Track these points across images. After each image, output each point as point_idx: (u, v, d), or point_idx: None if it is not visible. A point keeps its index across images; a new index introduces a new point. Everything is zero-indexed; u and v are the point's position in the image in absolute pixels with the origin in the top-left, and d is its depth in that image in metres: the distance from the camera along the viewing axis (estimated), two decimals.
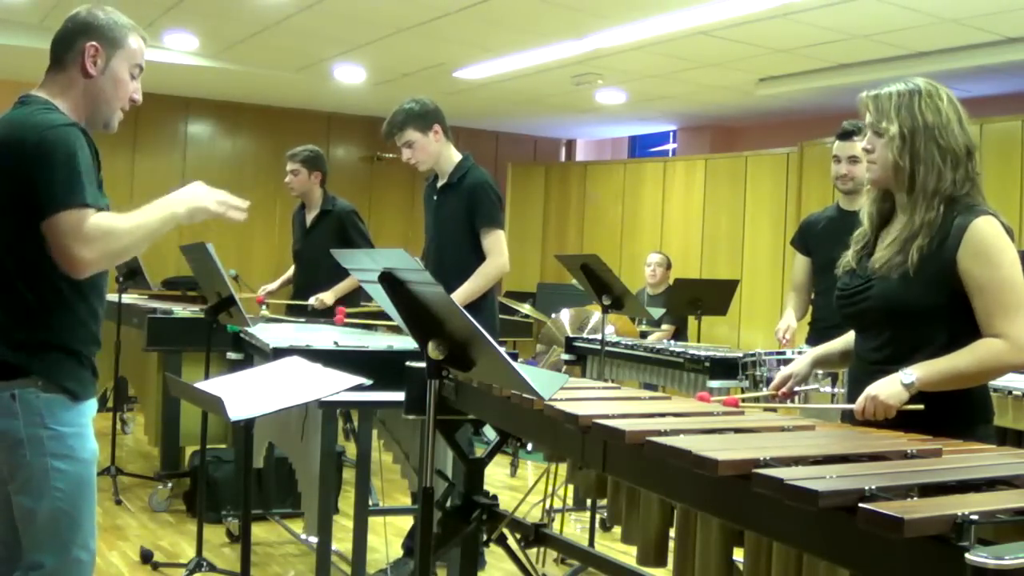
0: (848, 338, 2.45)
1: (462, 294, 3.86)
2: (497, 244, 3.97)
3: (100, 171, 2.31)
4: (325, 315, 5.18)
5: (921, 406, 2.04)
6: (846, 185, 3.83)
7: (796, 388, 2.51)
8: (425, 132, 4.00)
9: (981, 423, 2.19)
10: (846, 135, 3.79)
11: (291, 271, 5.77)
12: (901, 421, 2.04)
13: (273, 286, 5.70)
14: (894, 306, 2.16)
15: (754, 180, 8.41)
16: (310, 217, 5.51)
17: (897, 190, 2.23)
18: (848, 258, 2.34)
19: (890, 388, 2.06)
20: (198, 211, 2.43)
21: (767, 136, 8.91)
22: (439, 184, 4.11)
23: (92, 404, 2.31)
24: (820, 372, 3.29)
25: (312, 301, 5.22)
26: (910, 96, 2.18)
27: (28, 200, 2.17)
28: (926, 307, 2.12)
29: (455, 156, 4.08)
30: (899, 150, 2.16)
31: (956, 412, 2.12)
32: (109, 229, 2.19)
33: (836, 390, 3.53)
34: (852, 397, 2.32)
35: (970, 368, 2.07)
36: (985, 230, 2.09)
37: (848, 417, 2.23)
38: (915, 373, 2.05)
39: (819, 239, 3.85)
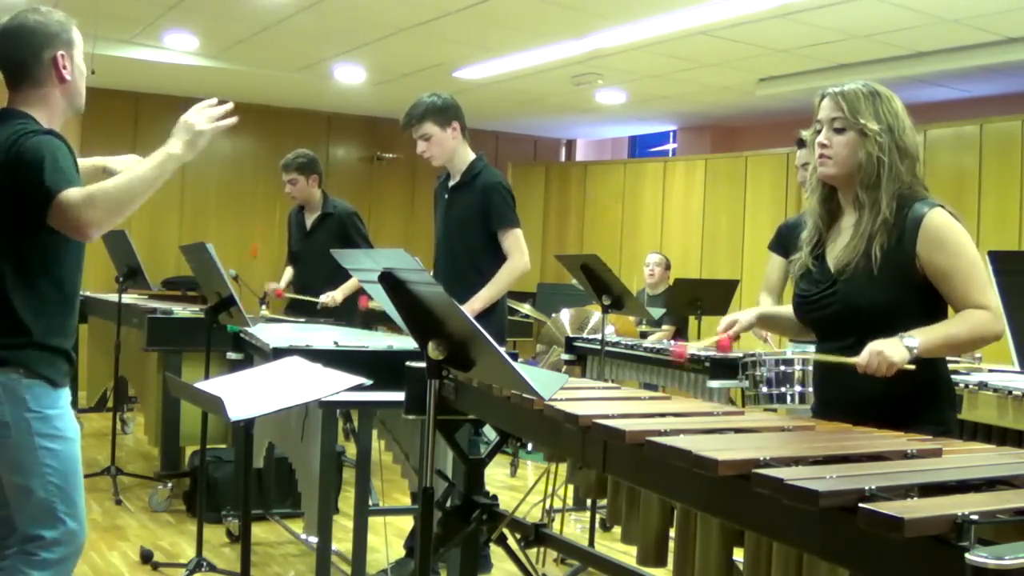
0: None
1: (486, 295, 3.89)
2: (516, 243, 3.99)
3: (78, 172, 2.46)
4: (333, 314, 5.19)
5: (913, 367, 2.10)
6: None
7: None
8: (443, 127, 3.98)
9: (949, 410, 2.29)
10: (800, 143, 3.83)
11: (289, 272, 5.77)
12: (890, 384, 2.12)
13: (280, 285, 5.72)
14: (862, 306, 2.21)
15: (754, 180, 8.41)
16: (310, 219, 5.52)
17: (858, 187, 2.25)
18: (803, 259, 2.37)
19: (895, 347, 2.10)
20: (194, 141, 2.56)
21: (767, 136, 8.90)
22: (451, 183, 4.11)
23: (68, 391, 2.49)
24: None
25: (324, 299, 5.23)
26: (872, 97, 2.24)
27: (15, 208, 2.33)
28: (891, 304, 2.18)
29: (469, 155, 4.08)
30: (877, 148, 2.20)
31: (931, 399, 2.22)
32: (103, 189, 2.35)
33: (805, 389, 3.54)
34: (821, 397, 2.38)
35: (962, 335, 2.16)
36: (939, 220, 2.18)
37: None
38: (917, 338, 2.11)
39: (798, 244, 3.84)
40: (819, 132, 2.29)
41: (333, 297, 5.25)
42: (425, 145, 4.01)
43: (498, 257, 4.01)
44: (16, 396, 2.35)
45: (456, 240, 4.06)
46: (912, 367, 2.09)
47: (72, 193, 2.32)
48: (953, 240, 2.17)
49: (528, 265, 4.03)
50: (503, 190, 4.01)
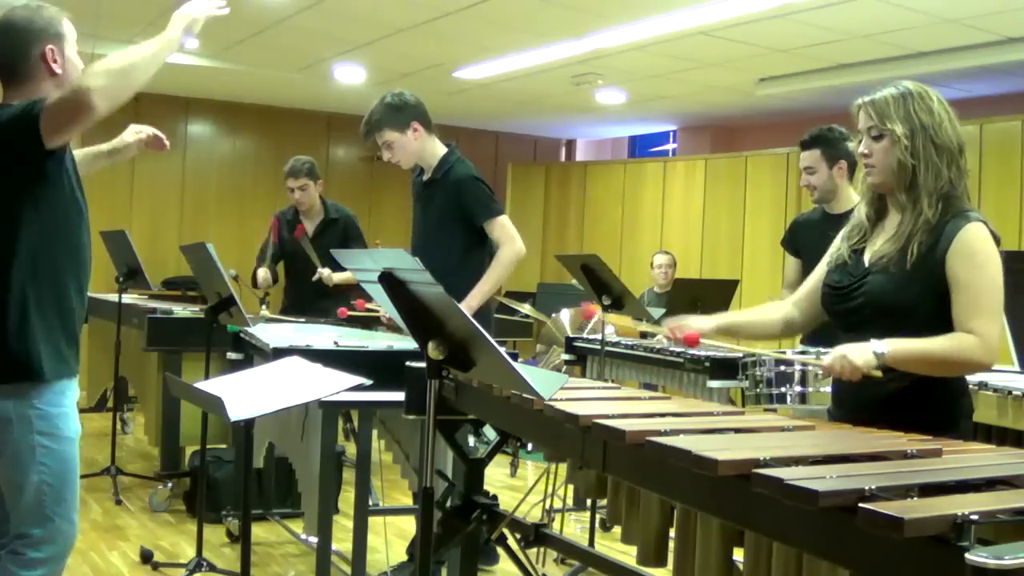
0: (762, 312, 2.54)
1: (483, 289, 3.78)
2: (505, 231, 3.82)
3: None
4: (327, 314, 5.13)
5: (880, 374, 2.10)
6: (812, 196, 3.85)
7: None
8: (403, 131, 3.81)
9: (963, 418, 2.27)
10: (803, 144, 3.81)
11: (264, 273, 5.48)
12: (904, 385, 2.13)
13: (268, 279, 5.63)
14: (888, 301, 2.21)
15: (754, 180, 8.40)
16: (311, 224, 5.45)
17: (897, 191, 2.26)
18: (840, 251, 2.37)
19: (861, 353, 2.11)
20: (192, 25, 2.53)
21: (767, 136, 8.90)
22: (424, 179, 3.97)
23: (75, 388, 2.48)
24: (820, 374, 3.28)
25: (323, 271, 5.16)
26: (904, 99, 2.24)
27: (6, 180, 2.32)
28: (917, 305, 2.18)
29: (439, 150, 3.92)
30: (905, 151, 2.20)
31: (942, 406, 2.21)
32: (100, 62, 2.27)
33: (805, 389, 3.53)
34: (837, 396, 2.39)
35: (938, 354, 2.13)
36: (976, 235, 2.16)
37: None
38: (887, 346, 2.11)
39: (808, 242, 3.82)
40: (861, 142, 2.31)
41: (330, 276, 5.18)
42: (389, 153, 3.88)
43: (481, 253, 3.90)
44: (21, 393, 2.36)
45: (434, 238, 3.90)
46: (879, 374, 2.10)
47: (55, 93, 2.30)
48: (980, 257, 2.15)
49: (523, 250, 3.84)
50: (477, 181, 3.85)
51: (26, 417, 2.36)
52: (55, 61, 2.42)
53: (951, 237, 2.16)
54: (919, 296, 2.18)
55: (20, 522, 2.39)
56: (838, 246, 2.40)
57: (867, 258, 2.30)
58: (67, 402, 2.44)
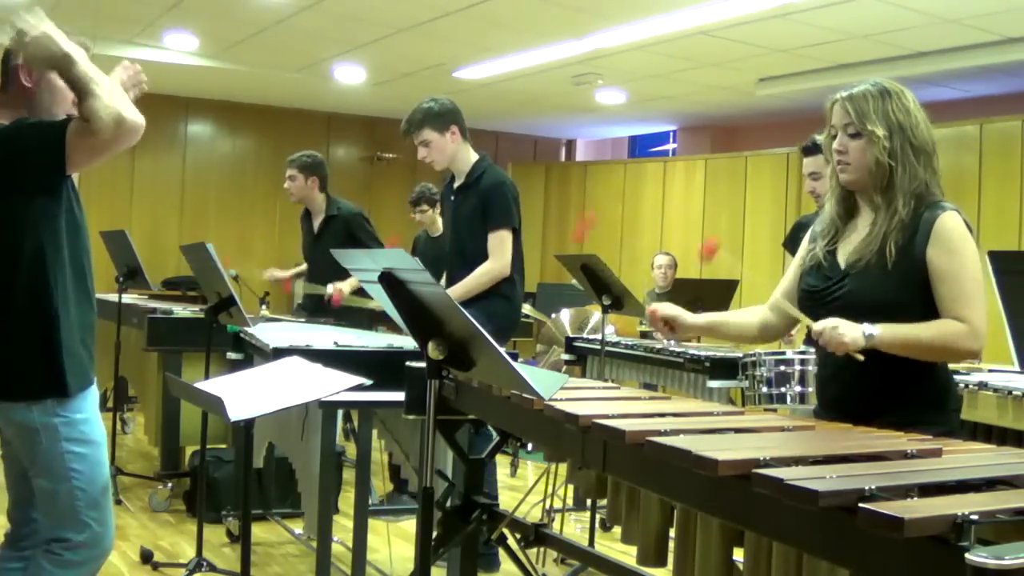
0: (743, 314, 2.55)
1: (455, 292, 3.90)
2: (499, 246, 4.00)
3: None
4: (338, 315, 5.13)
5: (862, 357, 2.11)
6: (818, 202, 3.85)
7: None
8: (442, 132, 4.03)
9: (953, 410, 2.29)
10: (806, 150, 3.80)
11: (304, 267, 5.77)
12: (891, 384, 2.16)
13: (283, 274, 5.71)
14: (873, 301, 2.20)
15: (754, 180, 8.41)
16: (316, 223, 5.50)
17: (873, 191, 2.25)
18: (816, 252, 2.35)
19: (852, 331, 2.11)
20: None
21: (767, 136, 8.90)
22: (456, 184, 4.15)
23: (95, 392, 2.51)
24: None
25: (330, 288, 5.19)
26: (883, 97, 2.23)
27: (16, 204, 2.33)
28: (903, 301, 2.18)
29: (472, 156, 4.12)
30: (883, 151, 2.20)
31: (934, 400, 2.23)
32: (112, 104, 2.27)
33: (805, 389, 3.53)
34: (822, 397, 2.38)
35: (928, 340, 2.14)
36: (951, 225, 2.18)
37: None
38: (878, 329, 2.11)
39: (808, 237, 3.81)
40: (834, 137, 2.29)
41: (340, 289, 5.20)
42: (425, 151, 4.07)
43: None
44: (43, 402, 2.38)
45: (465, 241, 4.09)
46: (861, 357, 2.10)
47: (74, 121, 2.31)
48: (958, 245, 2.17)
49: (505, 270, 4.00)
50: (505, 190, 4.03)
51: (52, 426, 2.38)
52: (28, 74, 2.46)
53: (927, 228, 2.17)
54: (901, 291, 2.18)
55: (57, 527, 2.41)
56: (809, 247, 2.39)
57: (842, 260, 2.29)
58: (89, 407, 2.46)
